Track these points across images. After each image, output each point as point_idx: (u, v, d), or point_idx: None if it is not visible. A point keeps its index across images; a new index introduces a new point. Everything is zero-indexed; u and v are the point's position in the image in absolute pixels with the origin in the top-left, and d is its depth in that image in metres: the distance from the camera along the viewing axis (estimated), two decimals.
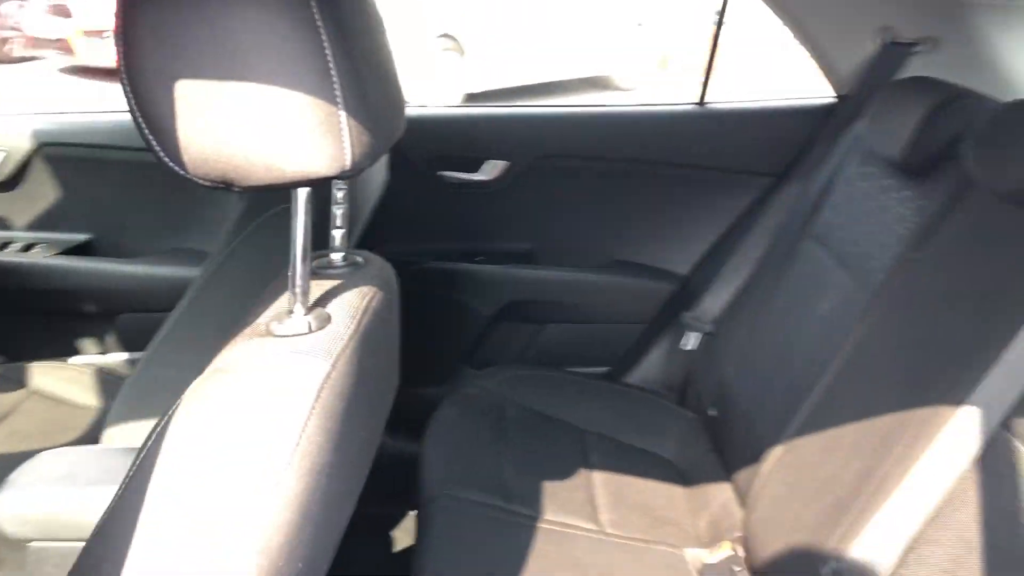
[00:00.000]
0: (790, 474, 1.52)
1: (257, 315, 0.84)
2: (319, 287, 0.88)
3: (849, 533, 1.29)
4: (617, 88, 8.99)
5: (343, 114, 0.70)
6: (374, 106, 0.74)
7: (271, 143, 0.69)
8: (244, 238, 1.47)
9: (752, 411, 1.75)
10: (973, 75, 1.73)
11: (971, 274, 1.31)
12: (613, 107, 2.17)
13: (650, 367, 2.14)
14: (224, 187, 0.71)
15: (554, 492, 1.69)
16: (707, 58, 2.08)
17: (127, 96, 0.68)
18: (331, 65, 0.69)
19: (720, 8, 1.98)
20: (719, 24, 2.03)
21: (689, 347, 2.05)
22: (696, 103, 2.09)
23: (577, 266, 2.15)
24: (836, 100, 2.03)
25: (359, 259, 0.97)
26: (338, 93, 0.70)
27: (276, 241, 1.51)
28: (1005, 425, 1.12)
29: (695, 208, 2.13)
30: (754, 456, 1.66)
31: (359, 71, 0.72)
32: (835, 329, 1.61)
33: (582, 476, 1.77)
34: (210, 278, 1.45)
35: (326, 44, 0.69)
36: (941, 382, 1.22)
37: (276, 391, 0.71)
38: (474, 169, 2.07)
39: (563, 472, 1.76)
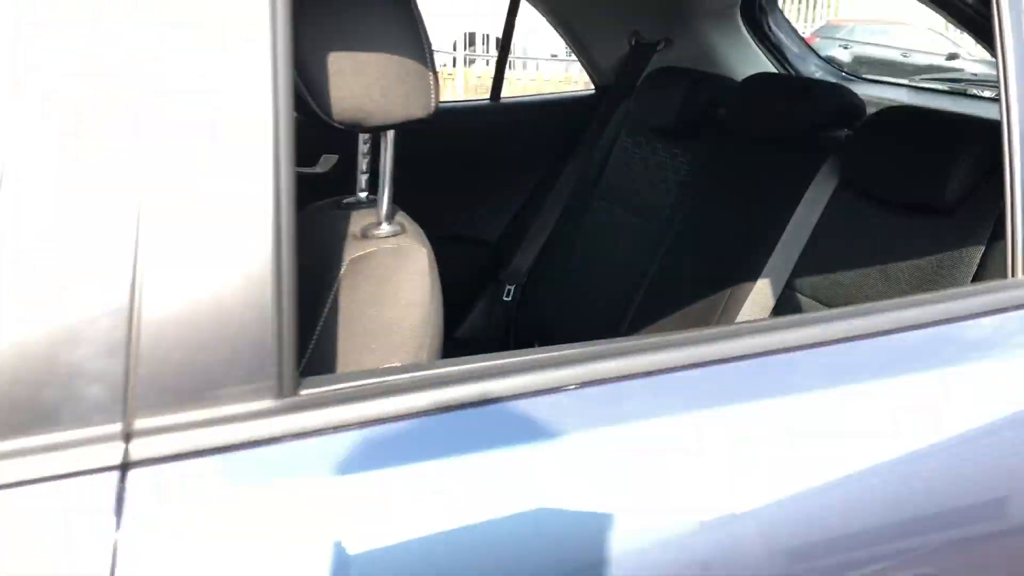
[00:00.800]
0: None
1: (337, 235, 1.13)
2: (375, 212, 1.18)
3: None
4: None
5: (430, 73, 1.03)
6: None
7: (390, 93, 1.00)
8: None
9: (578, 333, 2.21)
10: (700, 65, 2.32)
11: (742, 194, 1.85)
12: None
13: (474, 321, 2.53)
14: (351, 127, 1.01)
15: None
16: (497, 61, 2.52)
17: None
18: (423, 37, 1.02)
19: (507, 16, 2.42)
20: (508, 32, 2.46)
21: (509, 299, 2.46)
22: (490, 99, 2.52)
23: None
24: (598, 91, 2.55)
25: (374, 196, 1.28)
26: (428, 58, 1.03)
27: None
28: (789, 285, 1.66)
29: (497, 185, 2.55)
30: None
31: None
32: (636, 257, 2.11)
33: None
34: None
35: (419, 22, 1.02)
36: (737, 268, 1.75)
37: (414, 264, 1.03)
38: (313, 163, 2.33)
39: None
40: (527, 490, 0.78)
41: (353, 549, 0.70)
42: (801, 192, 1.68)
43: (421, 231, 1.14)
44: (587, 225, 2.32)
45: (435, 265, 1.09)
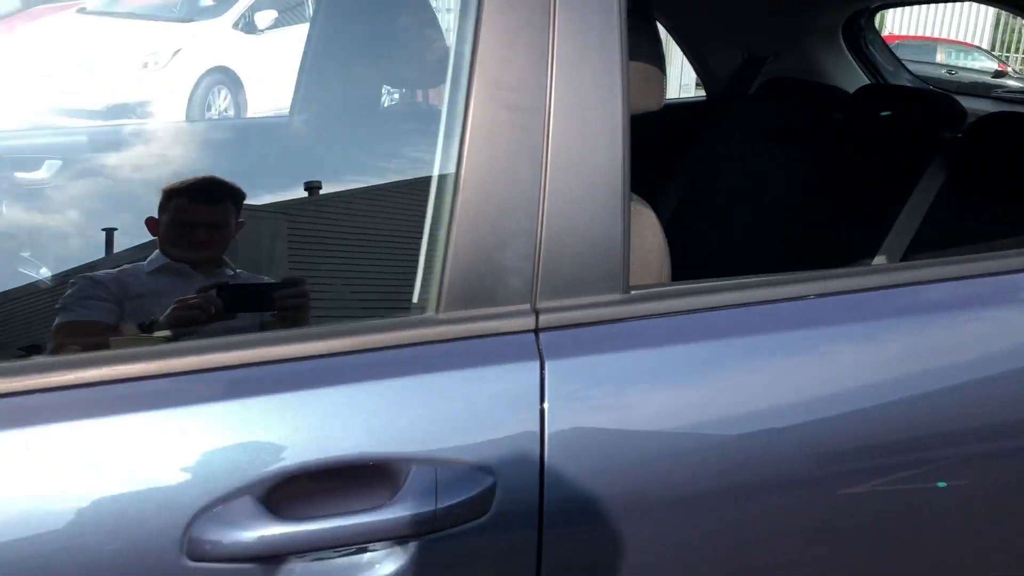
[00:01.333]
0: None
1: None
2: None
3: None
4: None
5: (662, 75, 1.37)
6: None
7: (637, 90, 1.33)
8: None
9: None
10: (804, 77, 2.65)
11: (856, 188, 2.18)
12: None
13: None
14: None
15: None
16: None
17: None
18: (660, 48, 1.36)
19: None
20: None
21: None
22: None
23: None
24: (710, 96, 2.89)
25: None
26: (661, 63, 1.36)
27: None
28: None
29: None
30: None
31: None
32: (746, 240, 2.43)
33: None
34: None
35: (658, 37, 1.36)
36: (855, 250, 2.07)
37: (648, 221, 1.38)
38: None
39: None
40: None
41: (675, 397, 1.05)
42: (911, 186, 2.01)
43: (642, 199, 1.48)
44: (703, 216, 2.66)
45: (659, 223, 1.44)
